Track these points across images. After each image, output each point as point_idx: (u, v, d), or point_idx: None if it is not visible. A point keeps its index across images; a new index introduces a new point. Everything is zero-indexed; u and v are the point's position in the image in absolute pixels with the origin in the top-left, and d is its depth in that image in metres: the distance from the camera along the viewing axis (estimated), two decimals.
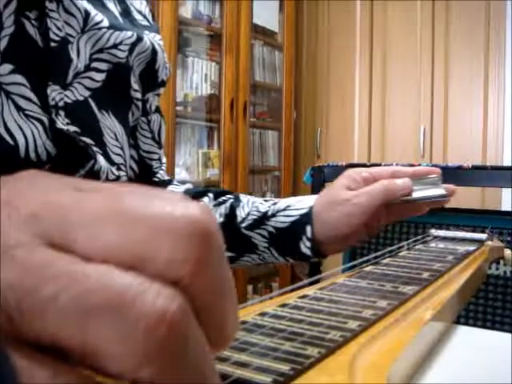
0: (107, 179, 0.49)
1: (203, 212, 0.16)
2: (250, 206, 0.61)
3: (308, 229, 0.56)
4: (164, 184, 0.66)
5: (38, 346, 0.14)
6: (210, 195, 0.65)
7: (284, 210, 0.59)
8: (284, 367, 0.20)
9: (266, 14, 2.93)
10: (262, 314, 0.28)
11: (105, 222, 0.15)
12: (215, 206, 0.63)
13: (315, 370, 0.21)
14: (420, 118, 2.89)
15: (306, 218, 0.57)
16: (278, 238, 0.59)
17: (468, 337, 0.36)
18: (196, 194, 0.65)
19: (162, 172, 0.66)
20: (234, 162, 2.68)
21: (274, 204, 0.61)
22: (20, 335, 0.13)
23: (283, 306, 0.30)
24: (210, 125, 2.69)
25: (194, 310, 0.15)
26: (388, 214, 0.57)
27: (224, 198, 0.64)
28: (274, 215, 0.59)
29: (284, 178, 3.07)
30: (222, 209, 0.62)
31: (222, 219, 0.61)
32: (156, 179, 0.65)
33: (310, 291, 0.33)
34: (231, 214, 0.61)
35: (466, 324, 1.05)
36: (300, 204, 0.59)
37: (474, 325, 1.05)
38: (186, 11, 2.50)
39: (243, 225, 0.60)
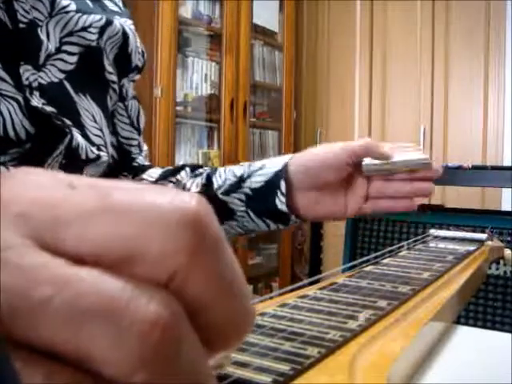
0: (87, 157, 0.50)
1: (195, 201, 0.15)
2: (226, 172, 0.61)
3: (282, 183, 0.56)
4: (144, 168, 0.66)
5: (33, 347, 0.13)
6: (187, 169, 0.65)
7: (259, 169, 0.59)
8: (284, 367, 0.20)
9: (266, 14, 2.93)
10: (262, 314, 0.28)
11: (92, 219, 0.14)
12: (192, 177, 0.63)
13: (315, 369, 0.21)
14: (420, 118, 2.89)
15: (281, 173, 0.56)
16: (254, 199, 0.58)
17: (468, 337, 0.36)
18: (174, 172, 0.64)
19: (141, 158, 0.66)
20: (234, 162, 2.67)
21: (250, 166, 0.60)
22: (13, 338, 0.13)
23: (283, 305, 0.30)
24: (210, 125, 2.69)
25: (192, 311, 0.15)
26: (369, 192, 0.56)
27: (201, 170, 0.64)
28: (249, 176, 0.59)
29: None
30: (198, 179, 0.62)
31: (198, 189, 0.61)
32: (135, 164, 0.65)
33: (310, 291, 0.33)
34: (207, 183, 0.61)
35: (466, 324, 1.05)
36: (275, 162, 0.58)
37: (474, 325, 1.04)
38: (186, 11, 2.50)
39: (220, 191, 0.60)
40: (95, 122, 0.53)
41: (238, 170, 0.61)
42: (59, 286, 0.13)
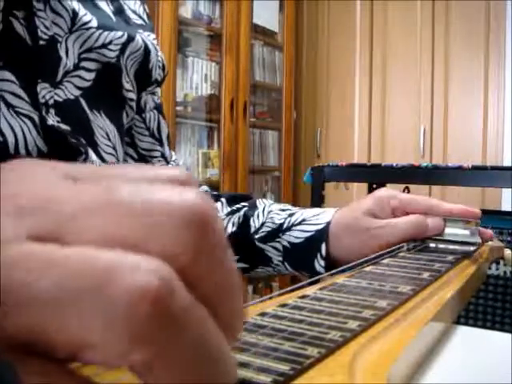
0: None
1: (200, 198, 0.15)
2: (265, 215, 0.59)
3: (323, 247, 0.54)
4: None
5: (28, 347, 0.13)
6: (223, 200, 0.63)
7: (300, 223, 0.57)
8: (284, 367, 0.20)
9: (266, 14, 2.93)
10: (262, 314, 0.28)
11: (97, 213, 0.14)
12: (228, 214, 0.62)
13: (315, 369, 0.21)
14: (420, 118, 2.89)
15: (322, 236, 0.54)
16: (292, 254, 0.57)
17: (468, 337, 0.36)
18: None
19: None
20: (234, 162, 2.68)
21: (291, 215, 0.58)
22: (9, 337, 0.13)
23: (283, 306, 0.30)
24: (210, 125, 2.69)
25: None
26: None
27: (238, 205, 0.62)
28: (289, 229, 0.57)
29: (284, 178, 3.07)
30: (236, 218, 0.61)
31: (234, 228, 0.60)
32: None
33: (311, 291, 0.33)
34: (245, 224, 0.60)
35: (466, 324, 1.05)
36: (317, 219, 0.56)
37: (474, 325, 1.05)
38: (186, 11, 2.50)
39: (257, 236, 0.58)
40: (109, 139, 0.52)
41: (278, 217, 0.59)
42: (46, 267, 0.13)
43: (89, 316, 0.12)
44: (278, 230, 0.58)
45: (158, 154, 0.63)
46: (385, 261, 0.44)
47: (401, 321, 0.28)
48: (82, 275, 0.13)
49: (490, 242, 0.55)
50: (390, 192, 0.54)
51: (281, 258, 0.58)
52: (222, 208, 0.63)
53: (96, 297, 0.12)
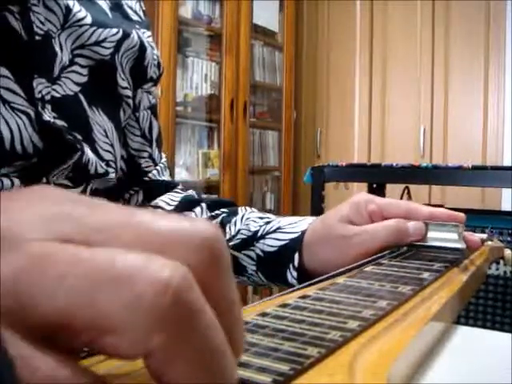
0: (96, 172, 0.49)
1: (210, 225, 0.17)
2: (242, 222, 0.57)
3: (296, 257, 0.51)
4: (157, 184, 0.63)
5: (43, 338, 0.14)
6: (203, 206, 0.62)
7: (274, 231, 0.54)
8: (284, 367, 0.20)
9: (266, 14, 2.93)
10: (263, 315, 0.28)
11: (120, 228, 0.16)
12: (207, 220, 0.60)
13: (315, 369, 0.21)
14: (420, 118, 2.89)
15: (295, 245, 0.52)
16: (265, 263, 0.54)
17: (468, 337, 0.36)
18: (191, 205, 0.61)
19: (154, 172, 0.63)
20: (234, 162, 2.68)
21: (267, 223, 0.56)
22: (28, 322, 0.14)
23: (284, 306, 0.30)
24: (210, 125, 2.69)
25: None
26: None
27: (218, 211, 0.61)
28: (263, 237, 0.55)
29: (284, 177, 3.07)
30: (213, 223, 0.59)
31: None
32: (147, 179, 0.62)
33: (311, 291, 0.33)
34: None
35: (466, 324, 1.05)
36: (292, 227, 0.53)
37: (474, 325, 1.05)
38: (186, 11, 2.50)
39: (231, 243, 0.56)
40: (106, 136, 0.51)
41: (254, 224, 0.57)
42: (74, 261, 0.14)
43: (117, 301, 0.14)
44: (253, 238, 0.55)
45: (146, 154, 0.62)
46: (385, 261, 0.44)
47: (401, 321, 0.28)
48: (112, 267, 0.14)
49: (489, 242, 0.55)
50: (367, 196, 0.50)
51: (255, 268, 0.55)
52: (201, 213, 0.61)
53: (125, 285, 0.14)
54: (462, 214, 0.48)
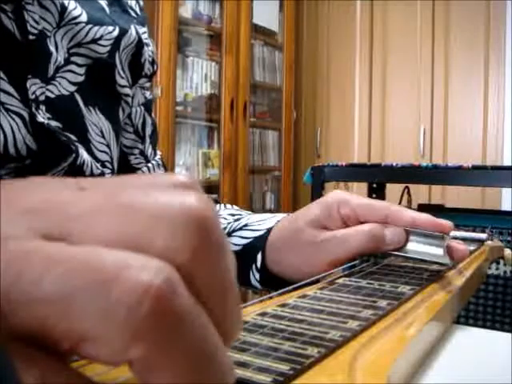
0: (92, 173, 0.47)
1: (200, 200, 0.15)
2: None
3: (258, 257, 0.48)
4: None
5: (30, 343, 0.13)
6: None
7: (241, 229, 0.52)
8: (284, 367, 0.20)
9: (266, 14, 2.93)
10: (262, 314, 0.28)
11: (101, 213, 0.15)
12: None
13: (315, 369, 0.21)
14: (420, 118, 2.89)
15: (259, 243, 0.48)
16: None
17: (468, 337, 0.36)
18: None
19: (145, 169, 0.61)
20: (234, 162, 2.68)
21: (237, 220, 0.53)
22: (11, 330, 0.13)
23: (283, 305, 0.29)
24: (210, 125, 2.69)
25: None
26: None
27: None
28: (229, 234, 0.52)
29: (284, 177, 3.07)
30: None
31: None
32: None
33: (310, 291, 0.33)
34: None
35: (466, 324, 1.05)
36: (259, 224, 0.50)
37: (474, 325, 1.05)
38: (186, 11, 2.50)
39: None
40: (103, 137, 0.50)
41: (223, 221, 0.54)
42: (50, 263, 0.13)
43: (92, 309, 0.13)
44: None
45: (136, 151, 0.60)
46: (385, 261, 0.44)
47: (401, 321, 0.28)
48: (87, 271, 0.13)
49: (489, 242, 0.55)
50: (341, 197, 0.45)
51: None
52: None
53: (100, 292, 0.13)
54: (448, 223, 0.41)
